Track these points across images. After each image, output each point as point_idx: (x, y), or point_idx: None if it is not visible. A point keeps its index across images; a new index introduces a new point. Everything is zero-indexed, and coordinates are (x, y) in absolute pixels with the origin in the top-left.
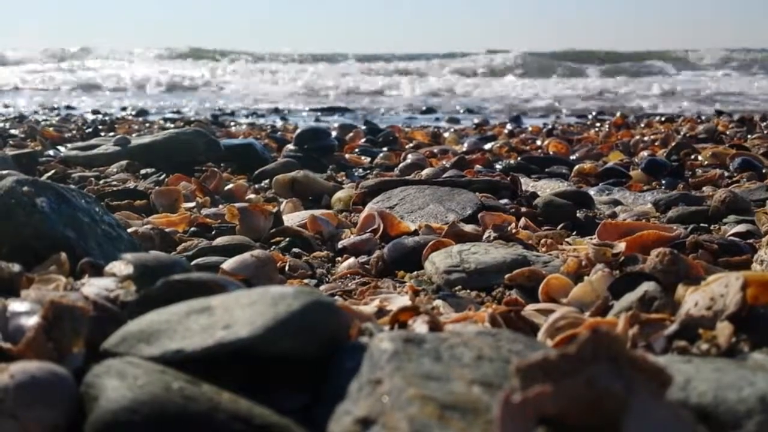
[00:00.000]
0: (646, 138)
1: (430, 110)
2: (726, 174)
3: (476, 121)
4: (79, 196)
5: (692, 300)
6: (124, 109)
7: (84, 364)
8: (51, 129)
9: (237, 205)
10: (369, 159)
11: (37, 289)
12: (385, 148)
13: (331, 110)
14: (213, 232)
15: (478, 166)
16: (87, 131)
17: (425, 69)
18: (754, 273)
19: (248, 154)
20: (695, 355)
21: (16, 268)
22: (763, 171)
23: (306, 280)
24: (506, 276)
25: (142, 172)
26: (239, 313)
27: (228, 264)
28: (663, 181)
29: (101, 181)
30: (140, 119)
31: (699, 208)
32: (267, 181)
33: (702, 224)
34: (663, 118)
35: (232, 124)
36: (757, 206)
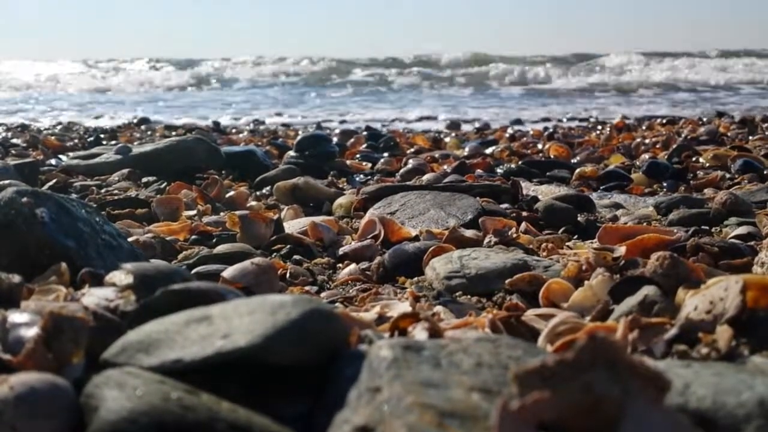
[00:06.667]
0: (647, 140)
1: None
2: (727, 176)
3: (477, 125)
4: (79, 206)
5: (692, 304)
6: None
7: (84, 374)
8: (53, 138)
9: (238, 212)
10: (370, 164)
11: (37, 299)
12: (386, 154)
13: None
14: (214, 240)
15: (479, 171)
16: (89, 140)
17: None
18: (753, 276)
19: (249, 161)
20: (695, 359)
21: (16, 278)
22: (765, 172)
23: (307, 288)
24: (507, 281)
25: (144, 180)
26: (238, 322)
27: (228, 272)
28: (664, 184)
29: (103, 190)
30: (142, 127)
31: (700, 211)
32: (268, 187)
33: (703, 227)
34: (664, 120)
35: (233, 130)
36: (758, 208)
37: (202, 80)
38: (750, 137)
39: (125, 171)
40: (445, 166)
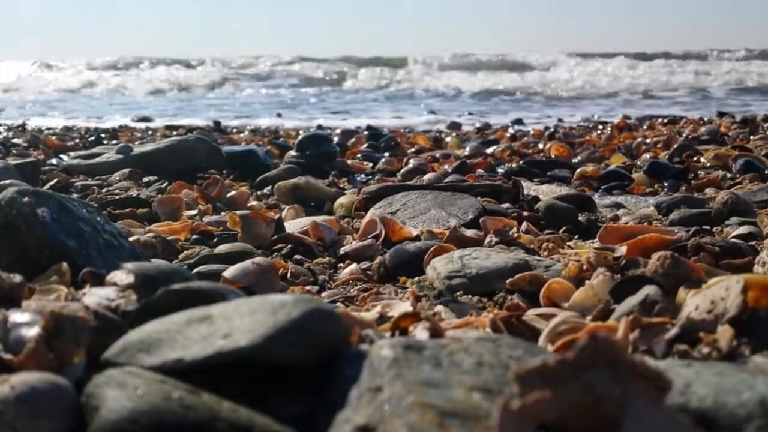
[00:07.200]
0: (648, 140)
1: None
2: (728, 175)
3: (478, 124)
4: (80, 205)
5: (693, 303)
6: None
7: (85, 374)
8: (54, 138)
9: (238, 212)
10: (371, 164)
11: (38, 299)
12: (386, 153)
13: None
14: (215, 240)
15: (479, 170)
16: (90, 140)
17: None
18: (754, 276)
19: (250, 161)
20: (696, 358)
21: (17, 278)
22: (766, 172)
23: (308, 287)
24: (508, 281)
25: (145, 180)
26: (239, 322)
27: (229, 272)
28: (665, 184)
29: (104, 190)
30: (143, 126)
31: (701, 211)
32: (269, 187)
33: (704, 226)
34: (665, 120)
35: (234, 130)
36: (759, 208)
37: (202, 80)
38: (751, 137)
39: (126, 171)
40: (446, 166)
